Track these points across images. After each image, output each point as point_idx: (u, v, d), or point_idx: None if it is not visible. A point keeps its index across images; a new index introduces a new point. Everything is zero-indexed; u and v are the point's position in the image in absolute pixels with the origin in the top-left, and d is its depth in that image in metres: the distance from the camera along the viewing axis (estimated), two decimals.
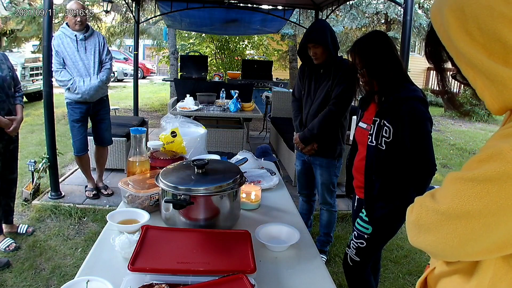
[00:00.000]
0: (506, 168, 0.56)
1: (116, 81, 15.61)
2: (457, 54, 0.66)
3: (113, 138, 3.79)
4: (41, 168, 3.48)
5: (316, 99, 2.53)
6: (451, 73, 0.74)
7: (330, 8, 5.60)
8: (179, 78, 8.53)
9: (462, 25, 0.63)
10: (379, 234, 1.78)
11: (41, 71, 5.77)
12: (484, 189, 0.58)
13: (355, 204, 2.05)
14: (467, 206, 0.60)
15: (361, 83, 1.81)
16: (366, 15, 10.98)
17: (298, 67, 3.02)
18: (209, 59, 10.24)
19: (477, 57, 0.62)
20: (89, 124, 3.57)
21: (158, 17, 7.40)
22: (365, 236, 1.78)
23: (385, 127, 1.65)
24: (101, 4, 9.37)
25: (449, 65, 0.75)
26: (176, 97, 5.76)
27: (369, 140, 1.73)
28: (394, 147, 1.64)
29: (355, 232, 1.83)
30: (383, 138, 1.66)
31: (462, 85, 0.74)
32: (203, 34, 11.09)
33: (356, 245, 1.81)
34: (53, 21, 3.56)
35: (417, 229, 0.69)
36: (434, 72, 0.78)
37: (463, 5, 0.63)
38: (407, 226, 0.73)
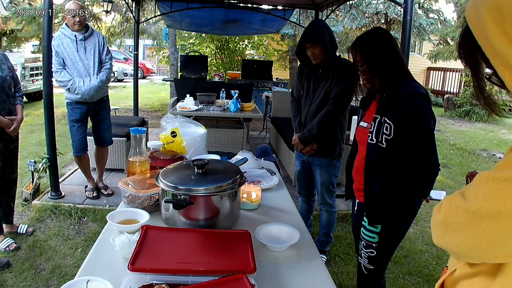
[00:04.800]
0: None
1: (116, 81, 15.61)
2: (494, 54, 0.62)
3: (113, 138, 3.79)
4: (41, 168, 3.48)
5: (315, 99, 2.53)
6: (486, 75, 0.70)
7: (330, 8, 5.60)
8: (179, 78, 8.53)
9: (500, 25, 0.60)
10: (386, 240, 1.74)
11: (41, 71, 5.77)
12: None
13: (355, 208, 2.01)
14: (499, 206, 0.58)
15: (361, 81, 1.76)
16: (366, 15, 10.99)
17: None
18: (209, 59, 10.24)
19: None
20: (89, 124, 3.58)
21: (158, 17, 7.40)
22: (373, 245, 1.74)
23: (386, 124, 1.61)
24: (101, 4, 9.37)
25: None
26: (176, 97, 5.76)
27: (369, 138, 1.69)
28: (395, 145, 1.60)
29: (363, 242, 1.79)
30: (384, 136, 1.62)
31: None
32: (203, 34, 11.09)
33: (367, 254, 1.78)
34: (53, 21, 3.55)
35: (444, 228, 0.68)
36: (472, 74, 0.72)
37: (501, 5, 0.59)
38: (432, 224, 0.72)
